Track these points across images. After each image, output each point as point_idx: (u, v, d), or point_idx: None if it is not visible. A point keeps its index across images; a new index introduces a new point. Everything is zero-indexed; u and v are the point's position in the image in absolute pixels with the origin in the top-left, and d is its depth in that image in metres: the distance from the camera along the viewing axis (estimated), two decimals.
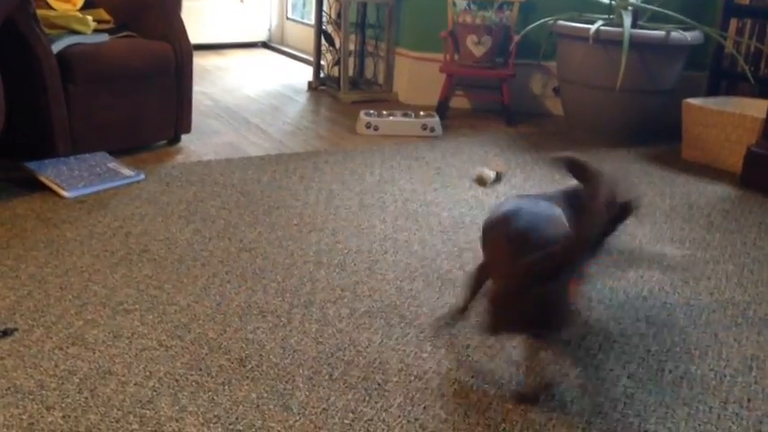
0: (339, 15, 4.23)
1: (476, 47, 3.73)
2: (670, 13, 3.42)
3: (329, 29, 4.40)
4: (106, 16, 3.11)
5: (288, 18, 5.81)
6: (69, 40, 2.74)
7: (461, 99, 4.08)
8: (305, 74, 4.77)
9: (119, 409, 1.43)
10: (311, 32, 4.65)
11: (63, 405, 1.43)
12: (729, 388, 1.60)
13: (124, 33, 3.02)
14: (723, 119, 3.13)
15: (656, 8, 3.46)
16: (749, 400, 1.56)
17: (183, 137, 3.20)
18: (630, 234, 2.42)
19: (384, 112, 3.59)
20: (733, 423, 1.48)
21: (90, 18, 2.91)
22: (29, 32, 2.53)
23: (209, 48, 5.46)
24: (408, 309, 1.88)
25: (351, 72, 4.31)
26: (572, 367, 1.64)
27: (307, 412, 1.45)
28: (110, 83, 2.81)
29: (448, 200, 2.66)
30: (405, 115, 3.58)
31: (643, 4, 3.50)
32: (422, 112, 3.61)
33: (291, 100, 4.14)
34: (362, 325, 1.78)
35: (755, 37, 3.52)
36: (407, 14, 4.14)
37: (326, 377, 1.57)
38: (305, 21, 5.62)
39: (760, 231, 2.49)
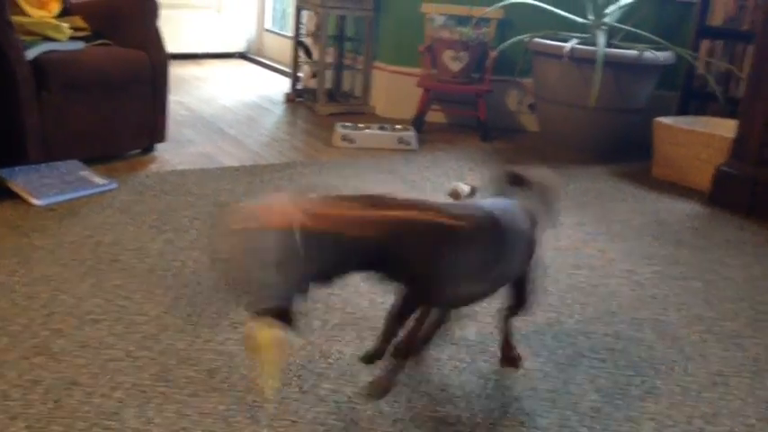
0: (317, 28, 4.24)
1: (453, 62, 3.76)
2: (643, 33, 3.48)
3: (307, 41, 4.41)
4: (82, 24, 3.09)
5: (266, 29, 5.82)
6: (44, 47, 2.71)
7: (438, 113, 4.11)
8: (282, 85, 4.77)
9: (83, 421, 1.41)
10: (289, 44, 4.66)
11: (27, 415, 1.41)
12: (695, 403, 1.62)
13: (100, 41, 3.01)
14: (693, 138, 3.18)
15: (630, 28, 3.51)
16: (714, 416, 1.58)
17: (158, 146, 3.18)
18: (601, 250, 2.44)
19: (360, 125, 3.61)
20: None
21: (66, 25, 2.89)
22: (3, 39, 2.51)
23: (186, 57, 5.44)
24: (380, 321, 1.87)
25: (328, 84, 4.32)
26: (541, 381, 1.66)
27: (276, 425, 1.44)
28: (84, 90, 2.79)
29: None
30: (381, 128, 3.59)
31: (617, 24, 3.55)
32: (398, 126, 3.63)
33: (268, 111, 4.14)
34: (334, 337, 1.78)
35: (726, 58, 3.59)
36: (386, 28, 4.16)
37: (296, 389, 1.56)
38: (283, 32, 5.63)
39: (727, 249, 2.53)
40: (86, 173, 2.70)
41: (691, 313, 2.05)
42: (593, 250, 2.44)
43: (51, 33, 2.82)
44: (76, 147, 2.82)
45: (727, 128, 3.18)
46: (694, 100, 3.74)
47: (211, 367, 1.62)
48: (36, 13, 2.96)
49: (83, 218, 2.39)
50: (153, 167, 2.96)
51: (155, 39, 3.03)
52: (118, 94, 2.90)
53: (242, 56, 5.81)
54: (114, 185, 2.67)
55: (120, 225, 2.35)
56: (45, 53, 2.69)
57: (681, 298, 2.14)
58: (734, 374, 1.75)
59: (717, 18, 3.61)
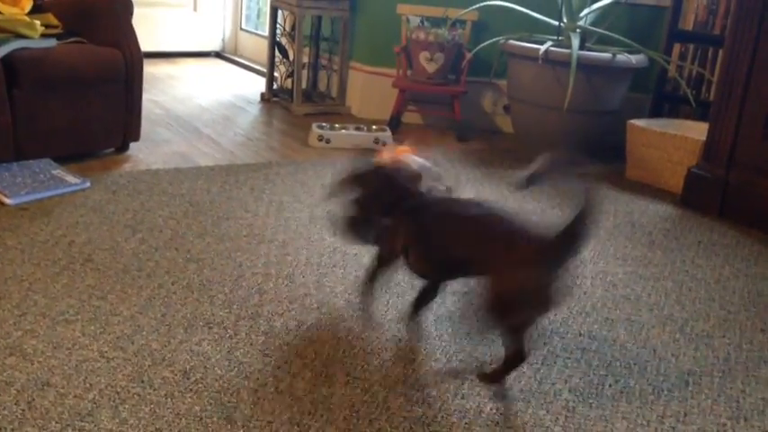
0: (293, 27, 4.23)
1: (428, 63, 3.78)
2: (616, 36, 3.52)
3: (283, 41, 4.40)
4: (55, 21, 3.05)
5: (242, 29, 5.79)
6: (16, 45, 2.68)
7: (414, 114, 4.12)
8: (258, 85, 4.75)
9: (57, 422, 1.40)
10: (265, 44, 4.64)
11: None
12: (667, 402, 1.64)
13: (73, 39, 2.97)
14: (665, 140, 3.23)
15: (603, 31, 3.55)
16: (686, 415, 1.60)
17: (132, 145, 3.15)
18: None
19: (336, 125, 3.60)
20: None
21: (38, 23, 2.86)
22: None
23: (160, 56, 5.39)
24: (356, 322, 1.88)
25: (304, 84, 4.32)
26: (515, 380, 1.67)
27: (251, 425, 1.44)
28: (56, 88, 2.76)
29: None
30: (357, 129, 3.59)
31: (590, 27, 3.59)
32: (374, 126, 3.63)
33: (244, 111, 4.12)
34: (309, 337, 1.78)
35: (697, 62, 3.64)
36: (362, 29, 4.17)
37: (272, 390, 1.56)
38: (259, 32, 5.61)
39: (699, 250, 2.57)
40: (59, 172, 2.67)
41: (663, 313, 2.08)
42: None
43: (23, 30, 2.78)
44: (49, 145, 2.79)
45: (698, 130, 3.23)
46: (667, 102, 3.79)
47: (186, 368, 1.61)
48: (8, 10, 2.92)
49: (55, 217, 2.36)
50: (127, 166, 2.94)
51: (128, 36, 3.00)
52: (91, 93, 2.87)
53: (217, 55, 5.78)
54: (87, 184, 2.64)
55: (93, 224, 2.33)
56: (17, 50, 2.66)
57: (653, 298, 2.17)
58: (705, 374, 1.77)
59: (688, 22, 3.66)
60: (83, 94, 2.84)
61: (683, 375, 1.76)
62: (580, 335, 1.91)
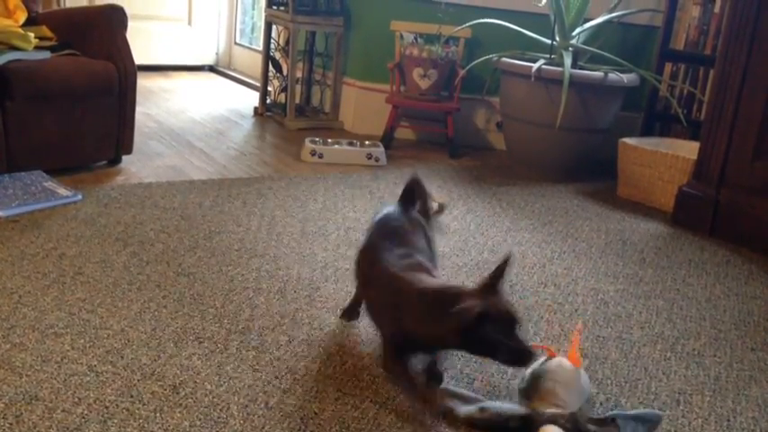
0: (287, 42, 4.25)
1: (422, 80, 3.79)
2: (608, 55, 3.55)
3: (277, 55, 4.41)
4: (49, 33, 3.06)
5: (236, 43, 5.80)
6: (9, 57, 2.68)
7: (406, 130, 4.13)
8: (251, 99, 4.76)
9: None
10: (259, 58, 4.65)
11: None
12: None
13: (67, 51, 2.98)
14: (656, 159, 3.25)
15: (596, 50, 3.58)
16: None
17: (124, 158, 3.15)
18: (566, 268, 2.47)
19: (329, 141, 3.61)
20: None
21: (32, 35, 2.86)
22: None
23: (154, 69, 5.40)
24: (348, 338, 1.87)
25: (297, 99, 4.32)
26: (506, 398, 1.66)
27: None
28: (49, 101, 2.76)
29: None
30: (350, 144, 3.60)
31: (583, 46, 3.62)
32: (367, 142, 3.64)
33: (237, 125, 4.12)
34: (301, 353, 1.77)
35: (688, 81, 3.67)
36: (355, 45, 4.18)
37: (262, 405, 1.55)
38: (253, 46, 5.62)
39: (689, 268, 2.58)
40: (50, 184, 2.66)
41: (653, 332, 2.08)
42: (559, 268, 2.47)
43: (17, 43, 2.78)
44: (41, 157, 2.78)
45: (689, 149, 3.25)
46: (658, 121, 3.82)
47: (176, 382, 1.60)
48: (2, 23, 2.92)
49: (46, 230, 2.35)
50: (119, 179, 2.93)
51: (122, 49, 3.01)
52: (84, 105, 2.86)
53: (211, 69, 5.79)
54: (79, 197, 2.63)
55: (84, 237, 2.32)
56: (10, 62, 2.66)
57: (644, 316, 2.17)
58: (695, 392, 1.78)
59: (679, 42, 3.69)
60: (75, 107, 2.84)
61: (674, 394, 1.76)
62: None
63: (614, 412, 1.53)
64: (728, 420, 1.67)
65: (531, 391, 1.56)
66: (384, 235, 1.76)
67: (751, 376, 1.88)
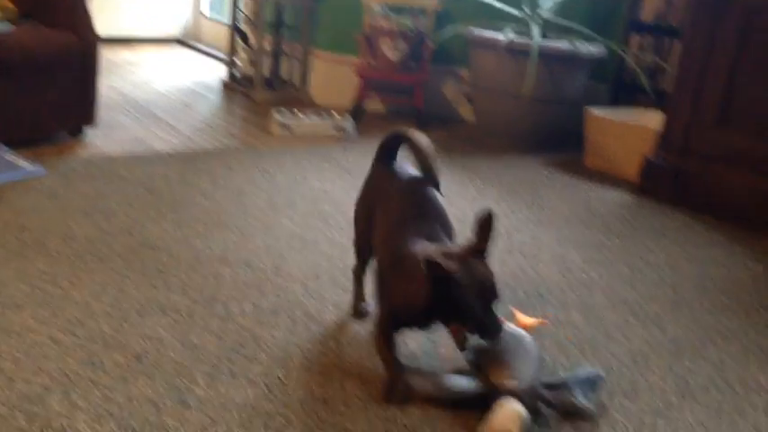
0: (255, 14, 4.19)
1: (391, 51, 3.77)
2: (576, 26, 3.55)
3: (245, 28, 4.36)
4: (9, 5, 2.98)
5: (203, 15, 5.72)
6: None
7: (376, 102, 4.12)
8: (219, 72, 4.71)
9: (5, 406, 1.37)
10: (226, 30, 4.59)
11: None
12: (616, 380, 1.67)
13: (28, 23, 2.91)
14: (623, 129, 3.27)
15: (564, 21, 3.58)
16: (634, 392, 1.63)
17: (88, 131, 3.10)
18: (533, 237, 2.50)
19: (298, 113, 3.59)
20: (618, 413, 1.55)
21: None
22: None
23: (119, 41, 5.31)
24: (313, 306, 1.88)
25: (266, 72, 4.28)
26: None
27: (205, 407, 1.44)
28: (11, 73, 2.70)
29: None
30: (319, 116, 3.58)
31: (551, 17, 3.62)
32: (336, 114, 3.62)
33: (204, 98, 4.08)
34: (266, 322, 1.78)
35: (654, 52, 3.69)
36: (324, 16, 4.15)
37: (227, 373, 1.56)
38: (220, 18, 5.55)
39: (653, 236, 2.62)
40: (12, 157, 2.62)
41: (616, 296, 2.11)
42: (525, 237, 2.49)
43: None
44: (2, 130, 2.73)
45: (655, 119, 3.28)
46: (625, 92, 3.84)
47: (140, 352, 1.60)
48: None
49: (7, 203, 2.31)
50: (82, 152, 2.89)
51: (85, 21, 2.95)
52: (46, 77, 2.81)
53: (178, 41, 5.71)
54: (41, 170, 2.59)
55: (47, 210, 2.29)
56: None
57: (607, 282, 2.20)
58: (654, 353, 1.81)
59: (646, 13, 3.71)
60: (37, 79, 2.79)
61: (633, 355, 1.79)
62: (535, 318, 1.93)
63: (564, 375, 1.55)
64: (686, 379, 1.71)
65: (483, 362, 1.53)
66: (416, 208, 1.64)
67: (708, 338, 1.92)
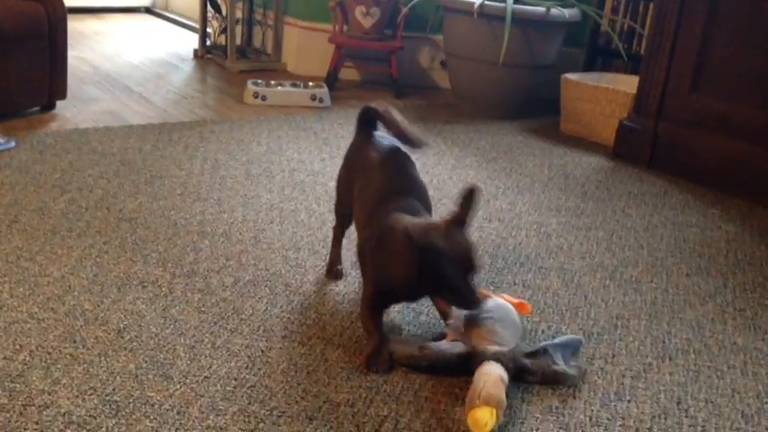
0: None
1: (364, 18, 3.73)
2: None
3: None
4: None
5: None
6: None
7: (350, 70, 4.08)
8: (191, 42, 4.63)
9: None
10: None
11: None
12: (596, 345, 1.70)
13: None
14: (598, 94, 3.28)
15: None
16: (613, 356, 1.66)
17: (59, 104, 3.04)
18: (510, 203, 2.51)
19: (272, 82, 3.55)
20: (598, 377, 1.58)
21: None
22: None
23: (86, 11, 5.19)
24: (294, 277, 1.88)
25: (238, 41, 4.22)
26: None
27: (187, 381, 1.43)
28: None
29: (335, 170, 2.64)
30: (293, 85, 3.54)
31: None
32: (310, 83, 3.59)
33: (176, 68, 4.01)
34: (247, 293, 1.77)
35: (629, 16, 3.69)
36: None
37: (209, 346, 1.55)
38: None
39: (629, 200, 2.64)
40: None
41: (594, 261, 2.13)
42: (503, 203, 2.50)
43: None
44: None
45: (630, 84, 3.29)
46: (600, 56, 3.85)
47: (120, 326, 1.59)
48: None
49: None
50: (53, 126, 2.84)
51: None
52: (12, 49, 2.74)
53: (147, 11, 5.60)
54: (12, 144, 2.54)
55: (19, 185, 2.25)
56: None
57: (585, 247, 2.22)
58: (633, 317, 1.84)
59: None
60: (4, 51, 2.72)
61: (612, 319, 1.82)
62: (515, 284, 1.95)
63: (544, 343, 1.57)
64: (664, 342, 1.74)
65: (467, 330, 1.55)
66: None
67: (685, 300, 1.95)
